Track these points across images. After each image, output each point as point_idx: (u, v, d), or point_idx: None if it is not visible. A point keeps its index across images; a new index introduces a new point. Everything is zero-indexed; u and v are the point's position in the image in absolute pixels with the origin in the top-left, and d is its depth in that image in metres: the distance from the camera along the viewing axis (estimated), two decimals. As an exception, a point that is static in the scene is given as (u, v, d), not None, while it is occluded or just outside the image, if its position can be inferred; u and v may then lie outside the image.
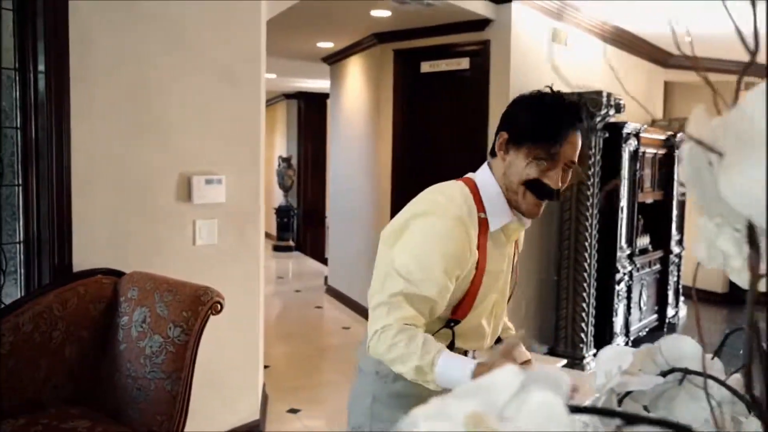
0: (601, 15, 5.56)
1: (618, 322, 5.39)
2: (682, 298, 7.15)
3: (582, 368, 4.86)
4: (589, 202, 4.89)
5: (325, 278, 7.25)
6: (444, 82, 5.12)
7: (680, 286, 6.90)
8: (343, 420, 1.63)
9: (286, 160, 9.80)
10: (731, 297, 7.77)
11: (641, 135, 5.53)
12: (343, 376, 4.45)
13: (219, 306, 2.15)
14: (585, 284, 4.89)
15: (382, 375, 1.53)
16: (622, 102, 4.95)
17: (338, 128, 6.73)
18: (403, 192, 5.39)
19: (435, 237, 1.43)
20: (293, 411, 3.82)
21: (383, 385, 1.54)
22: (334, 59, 6.50)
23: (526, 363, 1.55)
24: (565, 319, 4.99)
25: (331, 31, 5.52)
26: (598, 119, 4.80)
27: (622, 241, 5.43)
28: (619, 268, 5.27)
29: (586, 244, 4.87)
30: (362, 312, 5.77)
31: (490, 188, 1.51)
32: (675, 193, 6.52)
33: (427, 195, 1.53)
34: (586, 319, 4.94)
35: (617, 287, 5.29)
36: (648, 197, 6.09)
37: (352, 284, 6.20)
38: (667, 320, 6.48)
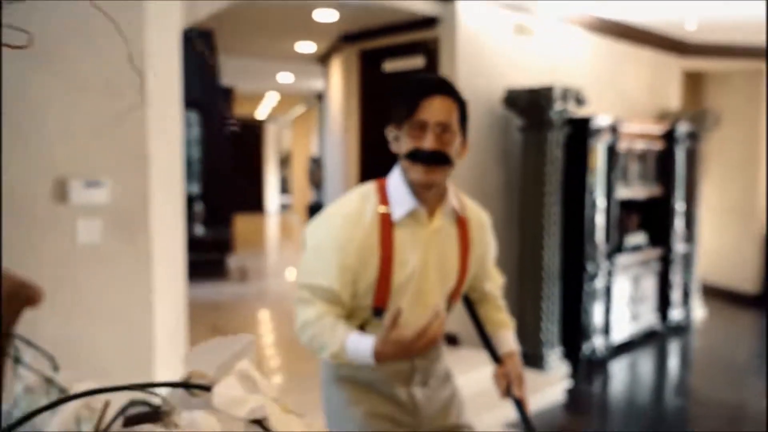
0: (587, 7, 5.41)
1: (593, 321, 5.23)
2: (699, 299, 6.78)
3: (543, 367, 4.78)
4: (548, 200, 4.79)
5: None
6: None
7: (692, 285, 6.54)
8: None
9: (316, 161, 10.10)
10: (766, 298, 7.29)
11: (621, 129, 5.32)
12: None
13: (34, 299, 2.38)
14: (547, 283, 4.80)
15: (328, 362, 1.73)
16: (583, 96, 4.82)
17: (328, 128, 6.92)
18: (369, 190, 5.51)
19: (327, 233, 1.62)
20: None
21: (330, 370, 1.75)
22: (325, 60, 6.70)
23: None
24: (527, 317, 4.92)
25: (296, 34, 5.74)
26: (554, 114, 4.69)
27: (598, 238, 5.27)
28: (589, 266, 5.11)
29: (546, 241, 4.78)
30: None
31: (395, 181, 1.65)
32: (678, 188, 6.20)
33: (341, 198, 1.74)
34: (549, 318, 4.85)
35: (589, 285, 5.14)
36: (639, 193, 5.84)
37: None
38: (671, 322, 6.18)
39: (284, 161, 18.68)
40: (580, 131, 5.02)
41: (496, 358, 1.79)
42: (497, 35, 4.98)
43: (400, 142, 1.60)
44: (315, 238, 1.64)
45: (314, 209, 10.16)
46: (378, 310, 1.62)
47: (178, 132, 4.15)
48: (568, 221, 4.97)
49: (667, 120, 6.46)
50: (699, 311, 6.72)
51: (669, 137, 6.06)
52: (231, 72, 8.78)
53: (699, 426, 4.13)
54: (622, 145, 5.46)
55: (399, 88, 1.62)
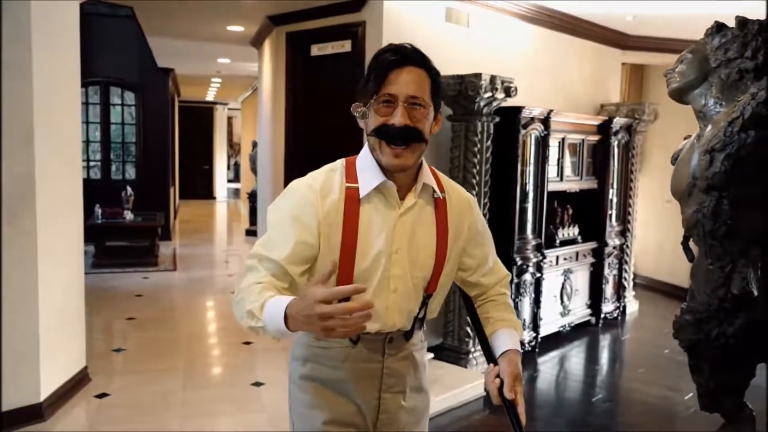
0: None
1: (522, 315, 5.17)
2: (632, 292, 6.81)
3: (466, 364, 4.69)
4: (476, 191, 4.68)
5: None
6: (331, 65, 5.01)
7: (626, 279, 6.55)
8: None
9: (257, 145, 9.84)
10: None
11: (552, 120, 5.24)
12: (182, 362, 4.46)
13: None
14: (471, 276, 4.70)
15: (294, 357, 1.62)
16: (513, 85, 4.70)
17: (261, 112, 6.71)
18: (295, 174, 5.32)
19: (287, 204, 1.48)
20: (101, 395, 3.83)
21: (295, 367, 1.62)
22: (257, 43, 6.47)
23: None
24: (452, 312, 4.81)
25: (226, 16, 5.51)
26: (482, 103, 4.57)
27: (528, 230, 5.20)
28: (518, 259, 5.04)
29: (472, 233, 4.67)
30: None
31: (364, 156, 1.51)
32: (613, 181, 6.19)
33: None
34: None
35: (518, 279, 5.07)
36: (573, 186, 5.79)
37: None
38: (603, 316, 6.17)
39: (237, 146, 18.35)
40: (511, 121, 4.92)
41: (492, 358, 1.57)
42: (428, 22, 4.82)
43: (368, 118, 1.45)
44: (274, 211, 1.50)
45: (255, 197, 9.93)
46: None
47: (76, 110, 3.89)
48: (497, 213, 4.87)
49: (605, 112, 6.42)
50: (632, 305, 6.75)
51: (605, 129, 6.02)
52: (169, 53, 8.45)
53: (625, 417, 4.11)
54: (556, 137, 5.39)
55: (372, 61, 1.48)
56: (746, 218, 1.57)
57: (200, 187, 16.34)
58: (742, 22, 1.70)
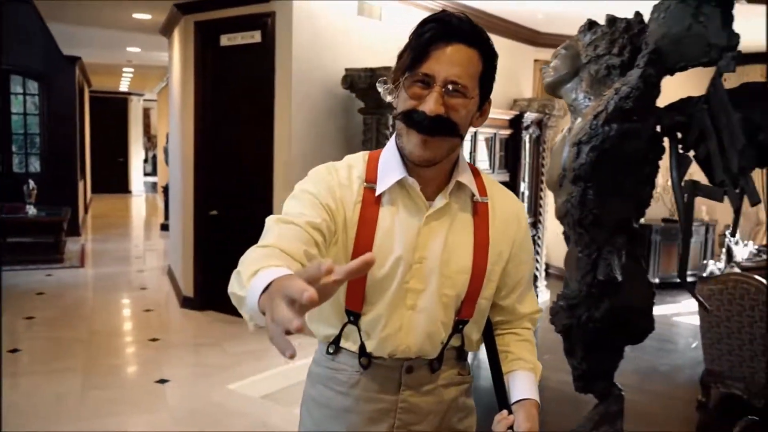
0: None
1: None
2: (544, 282, 7.05)
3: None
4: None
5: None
6: (241, 55, 4.92)
7: (538, 269, 6.78)
8: None
9: (173, 137, 9.56)
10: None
11: (464, 114, 5.33)
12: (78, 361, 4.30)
13: None
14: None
15: (309, 375, 1.42)
16: (424, 79, 4.76)
17: (172, 103, 6.52)
18: (205, 166, 5.21)
19: (301, 186, 1.28)
20: None
21: (307, 387, 1.42)
22: (167, 31, 6.27)
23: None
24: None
25: (133, 2, 5.31)
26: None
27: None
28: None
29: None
30: (178, 293, 5.61)
31: (389, 150, 1.28)
32: (524, 174, 6.38)
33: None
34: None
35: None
36: (485, 178, 5.93)
37: (176, 263, 6.03)
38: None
39: (154, 139, 17.76)
40: (423, 115, 4.98)
41: (505, 404, 1.30)
42: (340, 14, 4.81)
43: (399, 98, 1.21)
44: (293, 190, 1.29)
45: (168, 191, 9.66)
46: (351, 315, 1.28)
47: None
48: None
49: (518, 107, 6.61)
50: (544, 294, 6.98)
51: (517, 124, 6.19)
52: (74, 41, 8.07)
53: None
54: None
55: (415, 28, 1.23)
56: (610, 208, 1.66)
57: (115, 181, 15.73)
58: (611, 20, 1.79)
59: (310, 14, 4.60)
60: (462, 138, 1.21)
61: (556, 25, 6.64)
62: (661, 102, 1.71)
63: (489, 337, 1.40)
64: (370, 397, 1.30)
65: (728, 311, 4.09)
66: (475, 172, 1.32)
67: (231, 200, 5.12)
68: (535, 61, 7.72)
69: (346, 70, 4.67)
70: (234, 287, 1.02)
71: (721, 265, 6.23)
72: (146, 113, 17.89)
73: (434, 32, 1.18)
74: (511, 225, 1.33)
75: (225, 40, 4.97)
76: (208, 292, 5.31)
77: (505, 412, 1.25)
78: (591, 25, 1.85)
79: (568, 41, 1.99)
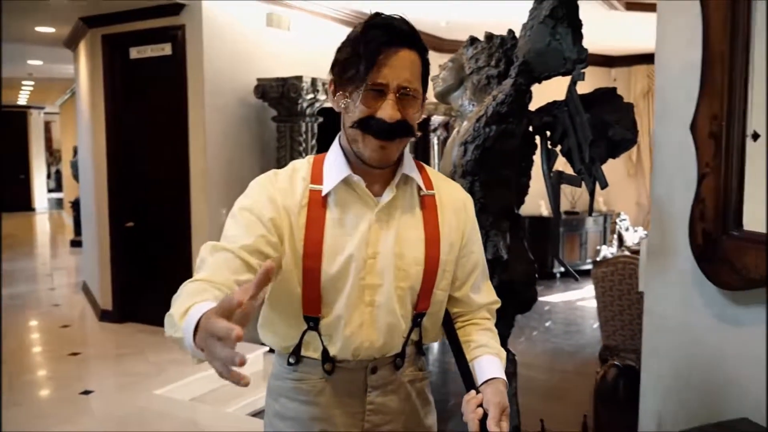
0: (348, 3, 5.59)
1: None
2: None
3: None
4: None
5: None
6: (153, 68, 4.97)
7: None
8: None
9: (78, 151, 9.32)
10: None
11: (373, 119, 5.59)
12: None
13: None
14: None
15: (269, 391, 1.39)
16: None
17: (80, 117, 6.43)
18: (120, 180, 5.22)
19: (239, 202, 1.27)
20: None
21: (269, 404, 1.39)
22: (72, 45, 6.19)
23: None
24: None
25: (36, 15, 5.25)
26: (305, 104, 4.80)
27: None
28: (347, 251, 5.33)
29: (302, 229, 4.88)
30: (96, 306, 5.56)
31: (333, 153, 1.30)
32: (433, 175, 6.71)
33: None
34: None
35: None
36: (397, 180, 6.21)
37: (92, 277, 5.96)
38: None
39: (57, 153, 17.06)
40: (334, 121, 5.19)
41: (472, 385, 1.30)
42: (249, 25, 4.96)
43: (348, 101, 1.22)
44: (234, 206, 1.28)
45: (78, 205, 9.40)
46: (310, 320, 1.26)
47: None
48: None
49: (425, 111, 6.93)
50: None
51: (425, 127, 6.52)
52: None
53: (442, 388, 4.50)
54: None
55: (349, 35, 1.25)
56: (494, 197, 1.94)
57: (16, 199, 15.01)
58: (488, 36, 2.08)
59: (220, 26, 4.73)
60: (414, 135, 1.25)
61: (459, 32, 7.03)
62: (533, 105, 2.02)
63: (450, 326, 1.40)
64: (338, 402, 1.30)
65: (619, 290, 4.53)
66: (420, 166, 1.35)
67: (147, 211, 5.15)
68: (440, 66, 8.10)
69: (258, 80, 4.83)
70: (168, 330, 1.05)
71: (614, 249, 6.79)
72: (48, 127, 17.15)
73: (381, 40, 1.19)
74: (459, 216, 1.36)
75: (135, 53, 5.01)
76: (128, 304, 5.30)
77: (473, 392, 1.24)
78: (473, 41, 2.14)
79: (453, 55, 2.27)
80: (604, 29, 6.78)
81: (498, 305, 1.45)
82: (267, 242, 1.19)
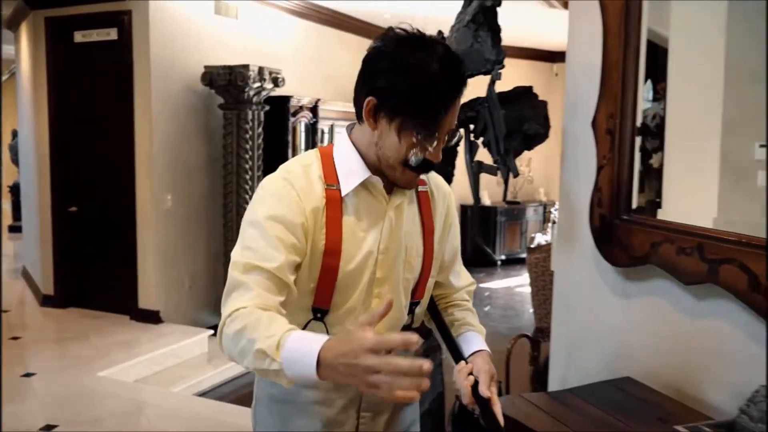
0: None
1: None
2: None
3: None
4: (249, 175, 4.99)
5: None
6: (98, 52, 4.96)
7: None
8: None
9: (18, 134, 9.10)
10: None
11: (320, 108, 5.72)
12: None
13: None
14: (249, 254, 5.00)
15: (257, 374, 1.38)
16: (280, 76, 5.08)
17: (21, 100, 6.33)
18: (62, 164, 5.20)
19: (264, 210, 1.23)
20: None
21: (263, 386, 1.39)
22: (13, 25, 6.08)
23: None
24: (231, 289, 5.08)
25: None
26: (252, 92, 4.88)
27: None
28: (293, 237, 5.45)
29: (248, 215, 4.97)
30: (38, 293, 5.52)
31: (345, 152, 1.29)
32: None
33: (278, 171, 1.35)
34: (252, 288, 5.06)
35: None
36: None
37: (34, 262, 5.91)
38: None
39: (-6, 136, 16.44)
40: (281, 110, 5.31)
41: (461, 356, 1.37)
42: (196, 13, 5.01)
43: (390, 131, 1.21)
44: (253, 215, 1.25)
45: (16, 190, 9.19)
46: (318, 312, 1.29)
47: None
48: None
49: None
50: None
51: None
52: None
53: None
54: (325, 124, 5.89)
55: (413, 67, 1.17)
56: (421, 183, 2.14)
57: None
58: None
59: (167, 13, 4.76)
60: None
61: (402, 24, 7.20)
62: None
63: (435, 308, 1.47)
64: (336, 386, 1.32)
65: (551, 275, 4.81)
66: None
67: (91, 195, 5.15)
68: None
69: (206, 67, 4.89)
70: (258, 364, 1.06)
71: (548, 237, 7.10)
72: (-16, 108, 16.52)
73: (455, 84, 1.19)
74: (447, 208, 1.43)
75: (79, 37, 4.99)
76: (70, 288, 5.29)
77: (462, 362, 1.31)
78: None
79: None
80: (545, 26, 7.07)
81: (474, 287, 1.54)
82: (296, 251, 1.21)
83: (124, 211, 4.90)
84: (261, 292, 1.15)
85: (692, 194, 1.81)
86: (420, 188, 1.36)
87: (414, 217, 1.35)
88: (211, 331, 4.72)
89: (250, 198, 4.92)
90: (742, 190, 1.66)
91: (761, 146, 1.54)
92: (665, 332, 1.72)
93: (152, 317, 4.82)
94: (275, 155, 5.28)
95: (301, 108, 5.51)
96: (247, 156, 4.99)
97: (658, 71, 1.84)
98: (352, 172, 1.27)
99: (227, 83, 4.85)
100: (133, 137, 4.80)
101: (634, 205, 1.80)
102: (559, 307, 2.20)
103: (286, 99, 5.32)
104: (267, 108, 5.12)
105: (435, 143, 1.20)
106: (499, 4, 2.01)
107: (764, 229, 1.41)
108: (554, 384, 2.18)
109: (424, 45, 1.18)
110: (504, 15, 2.05)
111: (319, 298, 1.26)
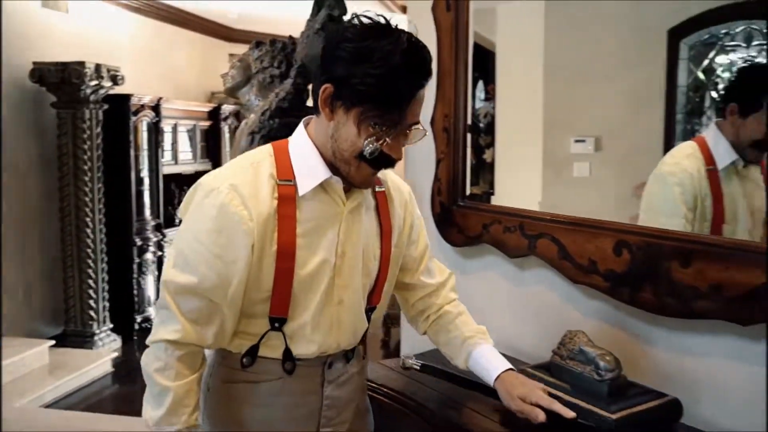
0: None
1: (146, 293, 5.45)
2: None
3: (92, 346, 4.77)
4: (88, 176, 4.77)
5: None
6: None
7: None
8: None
9: None
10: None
11: (162, 107, 5.59)
12: None
13: None
14: (91, 259, 4.79)
15: (212, 394, 1.29)
16: (119, 74, 4.91)
17: None
18: None
19: (209, 213, 1.14)
20: None
21: (215, 408, 1.29)
22: None
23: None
24: (73, 297, 4.84)
25: None
26: (89, 90, 4.68)
27: (147, 212, 5.48)
28: (138, 240, 5.30)
29: (89, 218, 4.76)
30: None
31: (302, 147, 1.20)
32: (224, 161, 6.84)
33: (223, 168, 1.26)
34: (96, 294, 4.85)
35: (138, 259, 5.33)
36: (188, 168, 6.25)
37: None
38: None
39: None
40: (121, 108, 5.13)
41: (485, 387, 1.32)
42: (22, 6, 4.69)
43: (348, 121, 1.13)
44: (191, 220, 1.17)
45: None
46: (276, 321, 1.20)
47: None
48: (113, 197, 5.04)
49: (216, 100, 7.03)
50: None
51: (216, 116, 6.63)
52: None
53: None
54: (168, 123, 5.77)
55: (376, 56, 1.09)
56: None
57: None
58: (272, 41, 2.40)
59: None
60: None
61: (248, 23, 7.23)
62: (312, 102, 2.39)
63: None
64: (296, 401, 1.26)
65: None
66: None
67: None
68: (230, 55, 8.21)
69: (35, 63, 4.60)
70: (149, 409, 1.19)
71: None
72: None
73: (420, 75, 1.14)
74: (405, 208, 1.38)
75: None
76: None
77: (518, 400, 1.29)
78: (258, 44, 2.44)
79: (241, 55, 2.56)
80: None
81: (453, 279, 1.49)
82: (237, 269, 1.16)
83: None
84: (186, 328, 1.15)
85: (520, 184, 2.13)
86: (377, 188, 1.31)
87: (372, 218, 1.30)
88: (52, 342, 4.48)
89: (90, 200, 4.75)
90: (561, 179, 1.98)
91: (576, 141, 1.86)
92: (497, 299, 2.02)
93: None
94: (116, 155, 5.12)
95: (142, 107, 5.36)
96: (86, 156, 4.77)
97: (488, 73, 2.13)
98: (310, 170, 1.19)
99: (60, 81, 4.61)
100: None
101: (468, 192, 2.08)
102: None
103: (126, 97, 5.15)
104: (106, 107, 4.93)
105: (397, 138, 1.15)
106: (345, 14, 2.20)
107: (577, 208, 1.73)
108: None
109: (388, 32, 1.13)
110: (350, 23, 2.26)
111: (275, 306, 1.19)
